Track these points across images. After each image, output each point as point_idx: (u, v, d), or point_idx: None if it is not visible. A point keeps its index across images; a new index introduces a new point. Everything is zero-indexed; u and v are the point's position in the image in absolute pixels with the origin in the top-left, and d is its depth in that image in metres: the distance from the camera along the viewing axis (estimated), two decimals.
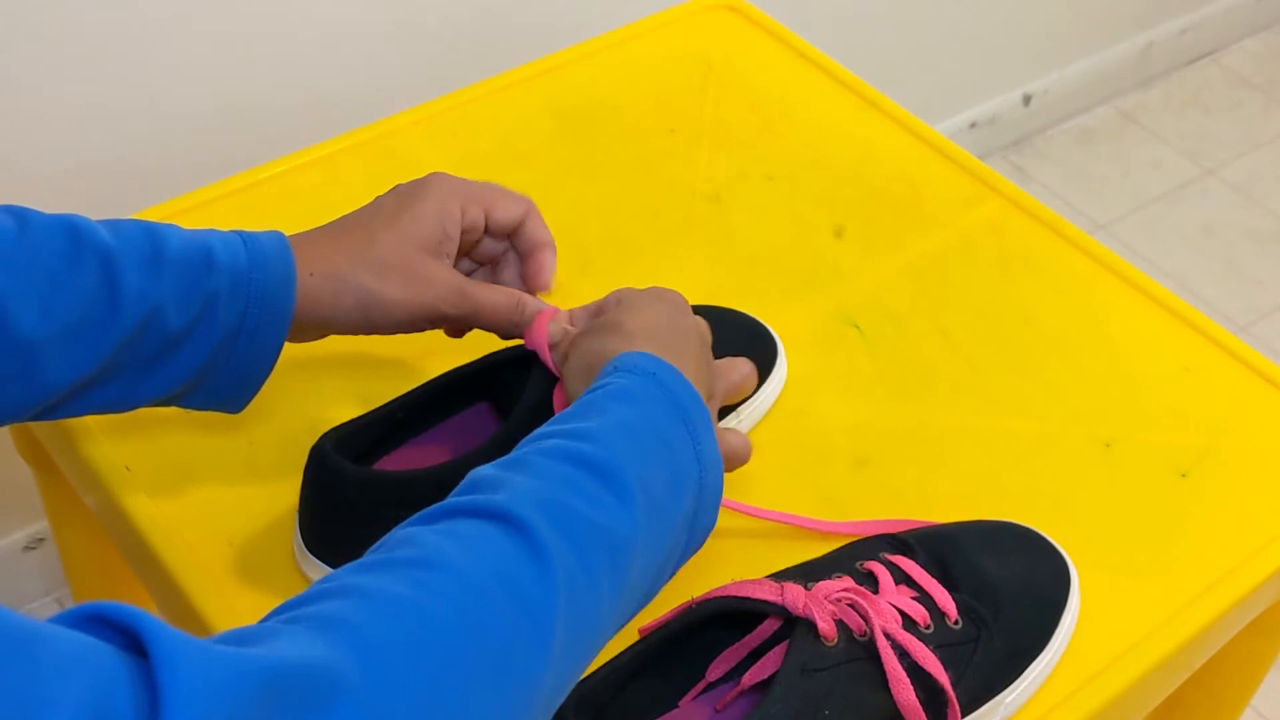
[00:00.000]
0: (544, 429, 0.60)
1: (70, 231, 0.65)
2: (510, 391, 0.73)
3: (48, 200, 1.19)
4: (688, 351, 0.66)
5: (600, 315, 0.70)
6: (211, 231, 0.70)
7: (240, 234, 0.70)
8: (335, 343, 0.85)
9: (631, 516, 0.56)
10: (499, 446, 0.71)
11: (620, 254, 0.93)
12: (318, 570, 0.72)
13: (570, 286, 0.90)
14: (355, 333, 0.72)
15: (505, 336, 0.74)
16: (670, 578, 0.61)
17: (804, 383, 0.84)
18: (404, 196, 0.73)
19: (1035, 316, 0.90)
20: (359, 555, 0.70)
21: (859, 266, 0.93)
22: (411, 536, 0.52)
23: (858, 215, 0.97)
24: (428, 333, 0.84)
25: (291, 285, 0.68)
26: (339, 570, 0.52)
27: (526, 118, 1.03)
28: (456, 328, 0.76)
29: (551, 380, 0.72)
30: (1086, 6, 1.99)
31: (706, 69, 1.08)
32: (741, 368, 0.72)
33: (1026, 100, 2.03)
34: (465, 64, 1.16)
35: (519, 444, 0.59)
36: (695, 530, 0.62)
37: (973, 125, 1.98)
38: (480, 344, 0.78)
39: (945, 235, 0.96)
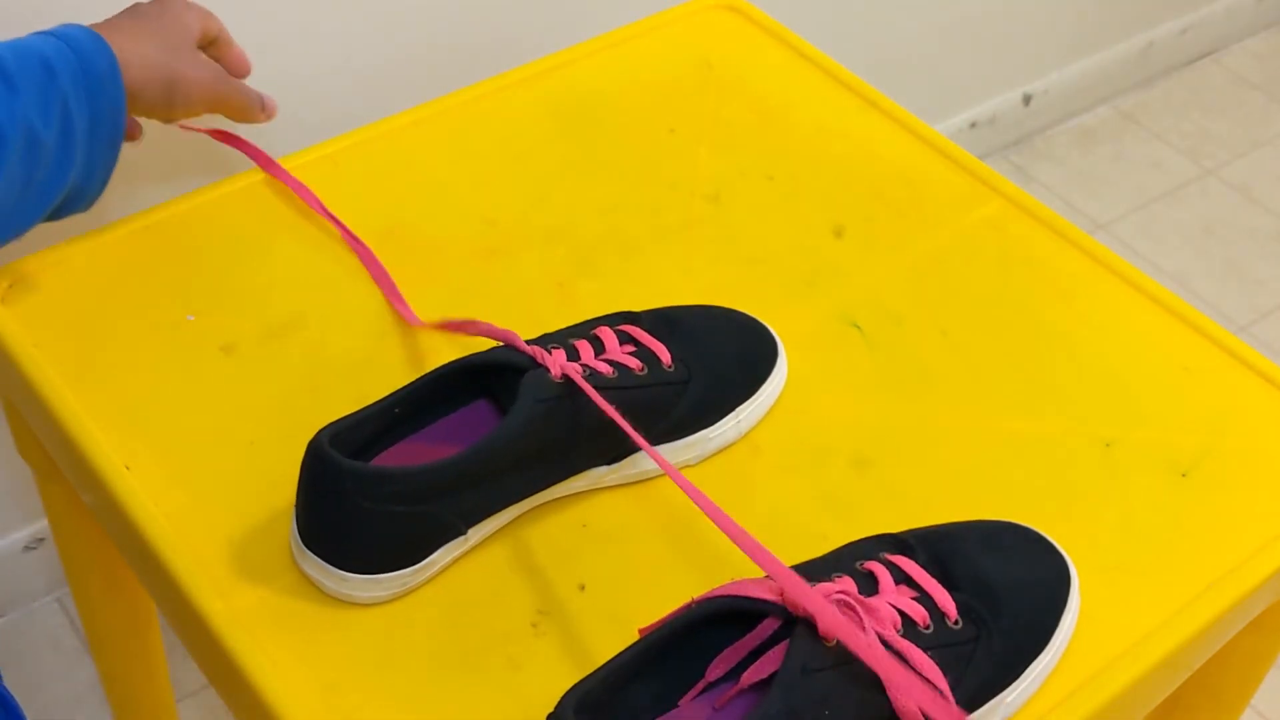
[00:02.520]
0: None
1: None
2: (507, 387, 0.73)
3: None
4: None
5: None
6: (26, 39, 0.77)
7: (51, 32, 0.77)
8: (335, 342, 0.85)
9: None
10: (497, 445, 0.71)
11: (620, 254, 0.93)
12: (316, 567, 0.72)
13: (570, 286, 0.90)
14: (154, 113, 0.85)
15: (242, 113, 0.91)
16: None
17: (804, 383, 0.84)
18: (157, 5, 0.86)
19: (1035, 316, 0.90)
20: (356, 552, 0.71)
21: (859, 266, 0.93)
22: None
23: (858, 215, 0.97)
24: (427, 332, 0.84)
25: (117, 71, 0.78)
26: None
27: (526, 118, 1.03)
28: None
29: (546, 380, 0.72)
30: (1086, 6, 1.99)
31: (706, 69, 1.08)
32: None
33: (1026, 100, 2.03)
34: (465, 64, 1.16)
35: None
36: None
37: (973, 125, 1.98)
38: (480, 342, 0.78)
39: (945, 235, 0.96)
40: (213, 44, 0.90)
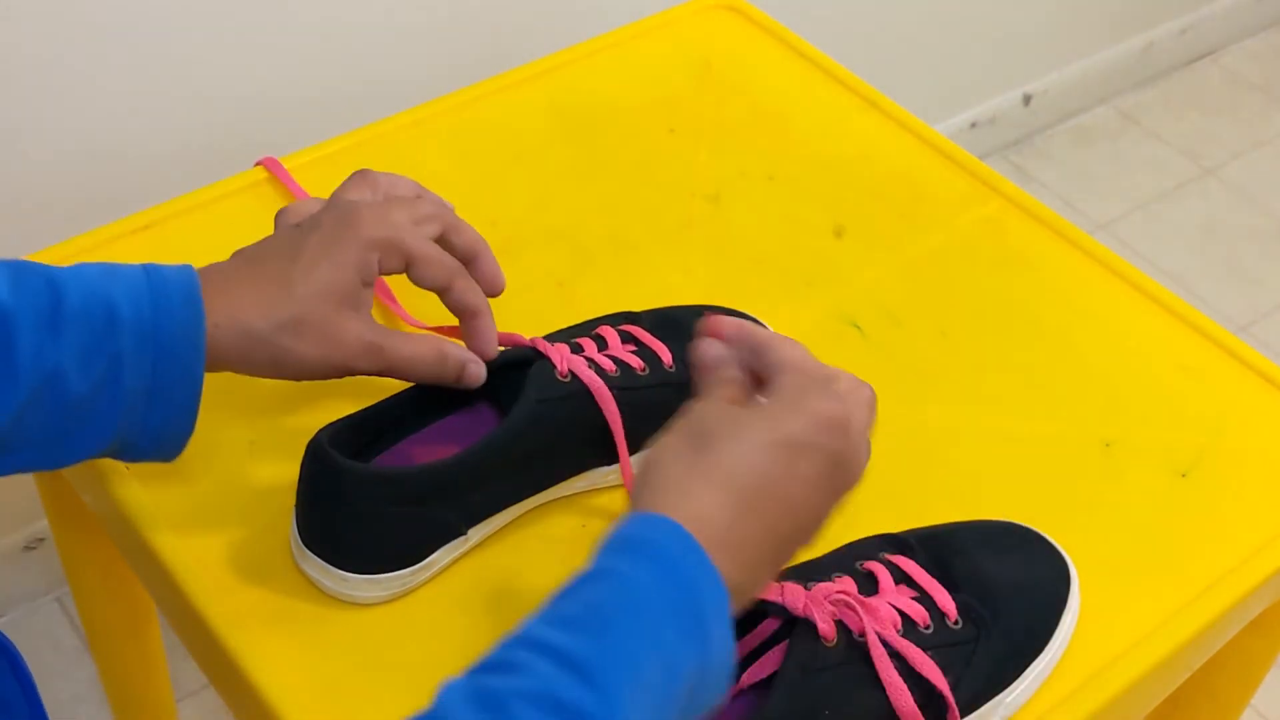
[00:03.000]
0: (544, 632, 0.50)
1: None
2: (508, 388, 0.73)
3: (53, 185, 1.19)
4: (780, 517, 0.55)
5: (750, 394, 0.59)
6: (116, 274, 0.65)
7: (148, 277, 0.65)
8: None
9: None
10: (497, 445, 0.71)
11: (620, 254, 0.93)
12: (316, 567, 0.72)
13: (571, 286, 0.90)
14: (265, 377, 0.69)
15: (434, 383, 0.72)
16: None
17: None
18: (325, 239, 0.68)
19: (1035, 316, 0.90)
20: (356, 552, 0.71)
21: (859, 266, 0.93)
22: None
23: (858, 215, 0.97)
24: (428, 329, 0.84)
25: (200, 336, 0.65)
26: None
27: (526, 118, 1.03)
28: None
29: (550, 378, 0.72)
30: (1086, 6, 1.99)
31: (706, 69, 1.08)
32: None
33: (1026, 100, 2.03)
34: (465, 64, 1.16)
35: (512, 640, 0.50)
36: None
37: (973, 125, 1.98)
38: None
39: (945, 235, 0.96)
40: (412, 265, 0.70)
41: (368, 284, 0.69)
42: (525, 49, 1.12)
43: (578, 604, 0.52)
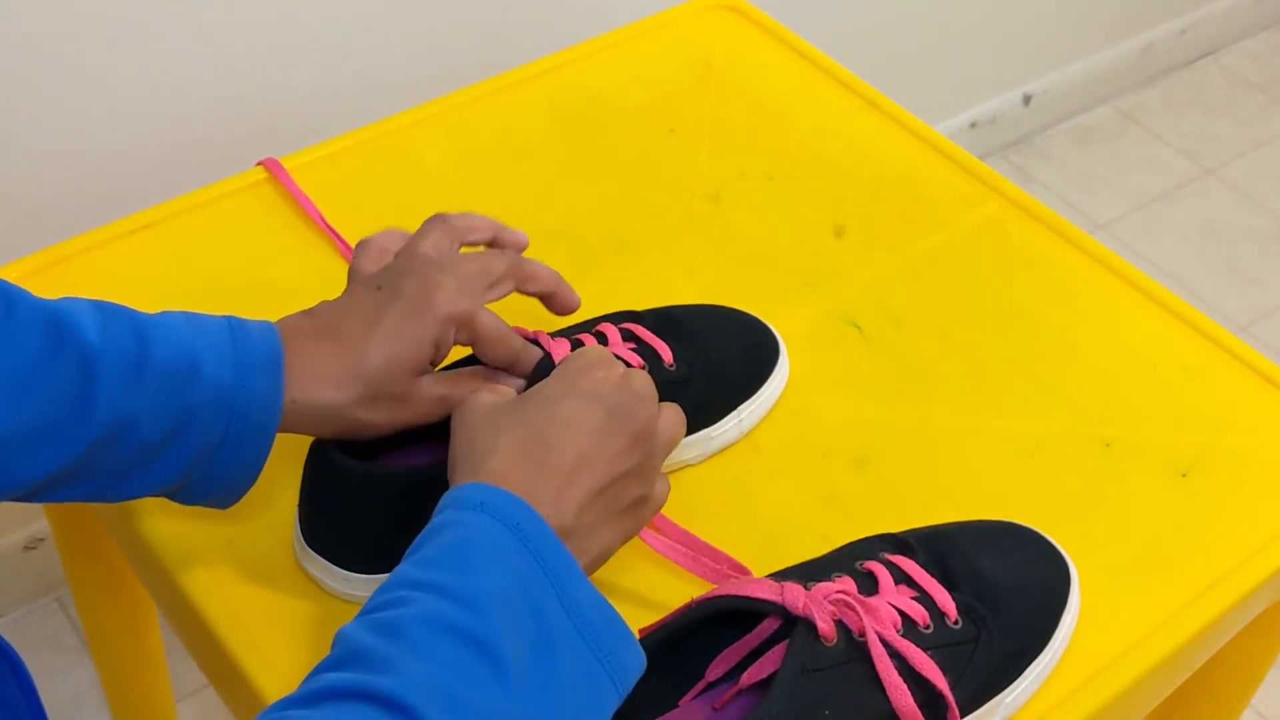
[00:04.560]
0: (415, 573, 0.57)
1: (53, 326, 0.63)
2: None
3: (53, 185, 1.19)
4: (579, 468, 0.62)
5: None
6: (201, 328, 0.67)
7: (232, 335, 0.67)
8: None
9: (511, 698, 0.54)
10: None
11: (620, 254, 0.93)
12: (318, 566, 0.72)
13: (571, 286, 0.90)
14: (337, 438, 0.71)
15: None
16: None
17: (804, 383, 0.84)
18: (404, 313, 0.69)
19: (1035, 316, 0.90)
20: (359, 551, 0.71)
21: (859, 266, 0.93)
22: None
23: (858, 215, 0.97)
24: None
25: (277, 409, 0.67)
26: None
27: (526, 118, 1.03)
28: None
29: (549, 362, 0.72)
30: (1086, 6, 2.00)
31: (706, 69, 1.08)
32: (673, 420, 0.68)
33: (1026, 100, 2.03)
34: (465, 64, 1.16)
35: (386, 585, 0.57)
36: (616, 673, 0.58)
37: (973, 125, 1.98)
38: None
39: (945, 235, 0.96)
40: (477, 343, 0.72)
41: (441, 355, 0.71)
42: (525, 49, 1.12)
43: (435, 549, 0.58)
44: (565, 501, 0.62)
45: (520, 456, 0.62)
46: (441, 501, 0.61)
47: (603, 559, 0.65)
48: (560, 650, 0.57)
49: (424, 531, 0.60)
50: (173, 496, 0.69)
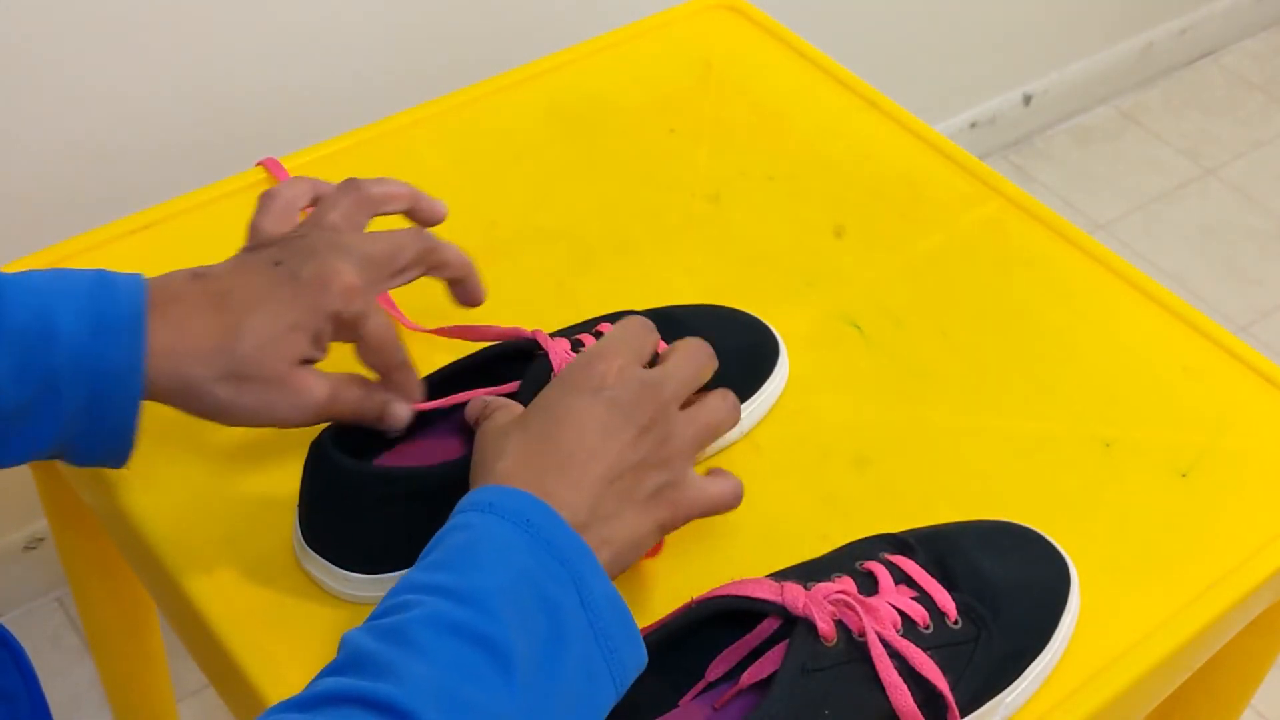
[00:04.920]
0: (422, 577, 0.56)
1: None
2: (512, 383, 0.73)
3: (53, 185, 1.19)
4: (588, 461, 0.62)
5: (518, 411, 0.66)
6: (62, 287, 0.64)
7: (93, 293, 0.64)
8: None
9: (516, 695, 0.53)
10: None
11: (620, 254, 0.93)
12: (318, 566, 0.72)
13: (570, 286, 0.90)
14: (203, 419, 0.68)
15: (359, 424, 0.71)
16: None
17: (804, 383, 0.84)
18: (290, 299, 0.66)
19: (1035, 316, 0.90)
20: (359, 551, 0.71)
21: (859, 266, 0.93)
22: None
23: (858, 215, 0.97)
24: (428, 331, 0.84)
25: (137, 373, 0.64)
26: None
27: (526, 118, 1.03)
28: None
29: (549, 377, 0.72)
30: (1086, 6, 2.00)
31: (706, 69, 1.08)
32: (713, 406, 0.67)
33: (1026, 100, 2.03)
34: (465, 64, 1.16)
35: (394, 589, 0.56)
36: (617, 671, 0.58)
37: (973, 125, 1.98)
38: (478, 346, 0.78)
39: (945, 235, 0.96)
40: (360, 345, 0.69)
41: (321, 349, 0.68)
42: (525, 49, 1.12)
43: (442, 552, 0.58)
44: (577, 495, 0.61)
45: (528, 456, 0.62)
46: (454, 510, 0.61)
47: (636, 549, 0.63)
48: (571, 643, 0.57)
49: (434, 538, 0.60)
50: (61, 459, 0.67)
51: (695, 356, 0.68)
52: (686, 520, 0.66)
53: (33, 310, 0.63)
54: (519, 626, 0.55)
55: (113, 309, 0.64)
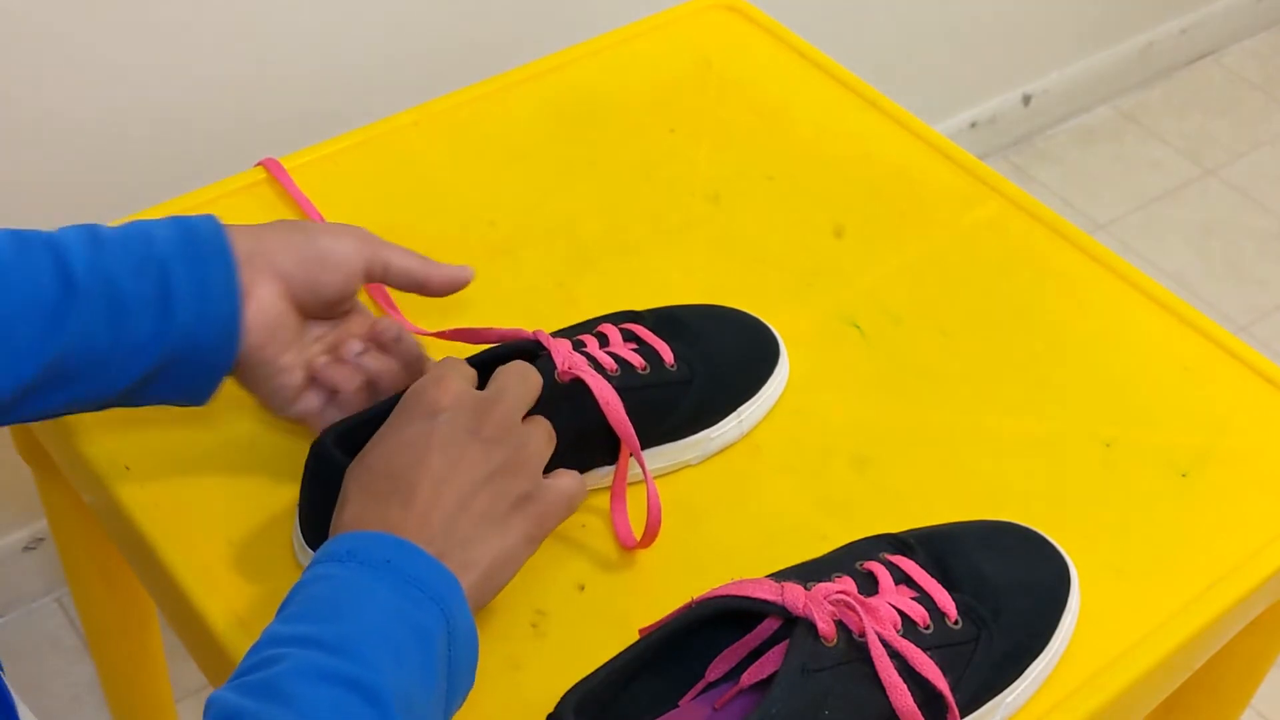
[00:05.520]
0: (285, 629, 0.56)
1: (9, 232, 0.66)
2: None
3: (53, 184, 1.19)
4: (437, 488, 0.62)
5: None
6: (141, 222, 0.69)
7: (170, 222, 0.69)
8: None
9: None
10: None
11: (620, 254, 0.93)
12: None
13: (571, 286, 0.90)
14: (298, 300, 0.71)
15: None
16: None
17: (804, 383, 0.84)
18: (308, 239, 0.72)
19: (1035, 316, 0.90)
20: None
21: (859, 266, 0.93)
22: None
23: (858, 215, 0.97)
24: (430, 334, 0.84)
25: (229, 248, 0.68)
26: None
27: (526, 118, 1.03)
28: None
29: (549, 379, 0.72)
30: (1086, 6, 2.00)
31: (706, 69, 1.08)
32: (562, 487, 0.67)
33: (1026, 100, 2.03)
34: (465, 64, 1.16)
35: (256, 646, 0.56)
36: (454, 702, 0.60)
37: (973, 125, 1.98)
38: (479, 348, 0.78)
39: (945, 235, 0.96)
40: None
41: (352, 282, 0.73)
42: (525, 49, 1.12)
43: (301, 604, 0.58)
44: (428, 524, 0.61)
45: (374, 496, 0.62)
46: (310, 562, 0.61)
47: (508, 565, 0.64)
48: (438, 676, 0.57)
49: (291, 591, 0.60)
50: (157, 380, 0.68)
51: (524, 375, 0.69)
52: (555, 526, 0.66)
53: (125, 228, 0.68)
54: (391, 667, 0.55)
55: (194, 226, 0.69)
